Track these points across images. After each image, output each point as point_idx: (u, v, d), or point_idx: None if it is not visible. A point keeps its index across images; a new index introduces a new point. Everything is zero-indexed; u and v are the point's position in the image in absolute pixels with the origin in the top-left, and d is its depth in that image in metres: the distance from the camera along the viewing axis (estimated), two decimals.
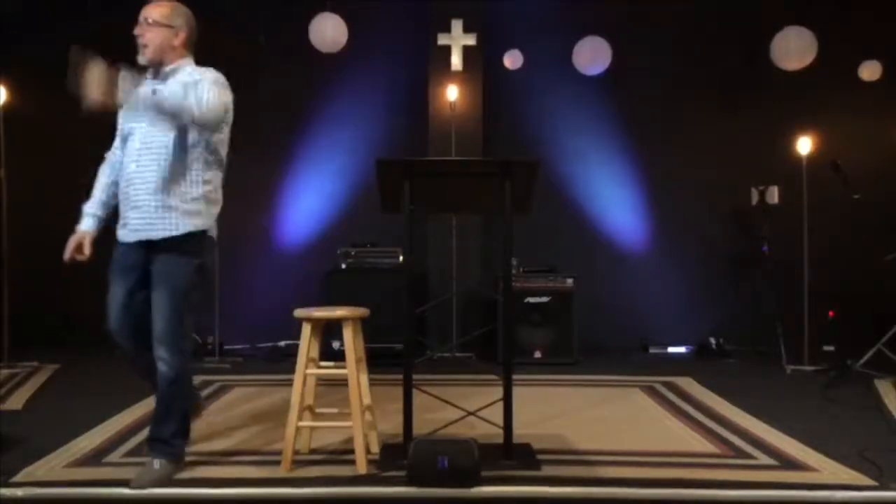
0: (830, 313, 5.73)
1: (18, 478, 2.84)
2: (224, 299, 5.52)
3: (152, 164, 2.83)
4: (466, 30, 6.19)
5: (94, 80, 2.73)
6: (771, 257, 5.78)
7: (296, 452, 3.03)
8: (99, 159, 3.07)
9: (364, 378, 3.19)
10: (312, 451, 3.21)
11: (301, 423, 3.03)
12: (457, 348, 5.86)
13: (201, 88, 2.77)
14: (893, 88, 5.98)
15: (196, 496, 2.74)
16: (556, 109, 6.30)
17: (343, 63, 6.09)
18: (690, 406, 4.18)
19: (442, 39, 6.20)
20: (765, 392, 4.56)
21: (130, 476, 2.79)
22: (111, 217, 2.99)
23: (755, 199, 5.77)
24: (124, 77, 2.66)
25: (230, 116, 2.96)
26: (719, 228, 6.32)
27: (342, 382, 3.05)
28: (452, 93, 6.00)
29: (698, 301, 6.20)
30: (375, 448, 3.21)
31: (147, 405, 3.56)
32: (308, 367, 3.07)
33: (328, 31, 5.76)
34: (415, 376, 3.07)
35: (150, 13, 2.89)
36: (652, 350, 6.21)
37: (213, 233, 3.00)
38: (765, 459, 3.17)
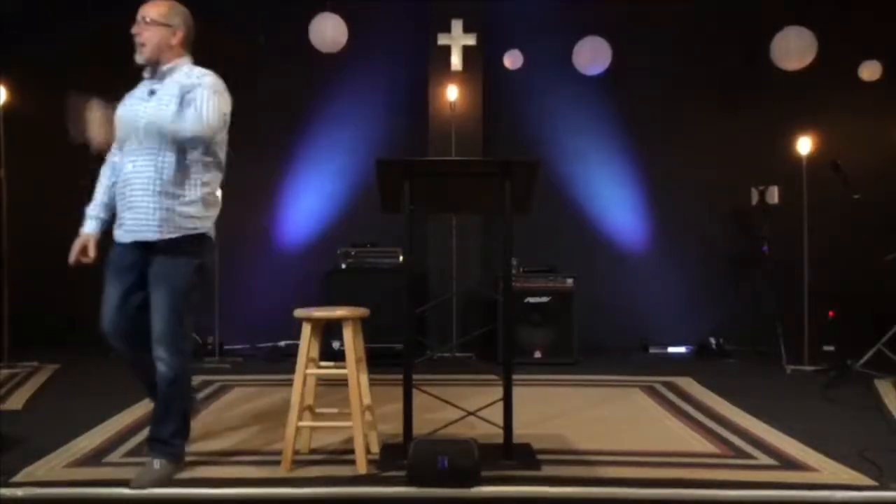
0: (830, 313, 5.73)
1: (18, 478, 2.84)
2: (224, 299, 5.52)
3: (149, 165, 2.83)
4: (466, 30, 6.19)
5: (95, 121, 2.77)
6: (771, 257, 5.78)
7: (296, 452, 3.03)
8: (98, 160, 3.07)
9: (364, 378, 3.19)
10: (312, 451, 3.21)
11: (301, 423, 3.03)
12: (457, 348, 5.86)
13: (200, 101, 2.79)
14: (893, 88, 5.97)
15: (196, 496, 2.74)
16: (556, 109, 6.30)
17: (343, 63, 6.09)
18: (690, 406, 4.18)
19: (442, 39, 6.20)
20: (765, 392, 4.56)
21: (130, 476, 2.79)
22: (113, 218, 2.99)
23: (755, 199, 5.77)
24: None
25: (228, 118, 2.96)
26: (719, 228, 6.32)
27: (342, 382, 3.05)
28: (452, 93, 6.00)
29: (698, 301, 6.20)
30: (375, 448, 3.21)
31: (147, 405, 3.55)
32: (308, 367, 3.07)
33: (328, 31, 5.75)
34: (415, 376, 3.07)
35: (148, 12, 2.89)
36: (652, 350, 6.21)
37: (212, 233, 3.00)
38: (765, 459, 3.17)
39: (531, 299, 5.58)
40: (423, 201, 3.14)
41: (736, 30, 6.26)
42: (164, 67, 2.92)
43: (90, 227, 2.98)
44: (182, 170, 2.85)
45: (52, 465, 3.04)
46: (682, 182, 6.25)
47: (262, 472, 2.96)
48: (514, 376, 3.11)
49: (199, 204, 2.90)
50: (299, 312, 3.08)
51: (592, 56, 5.96)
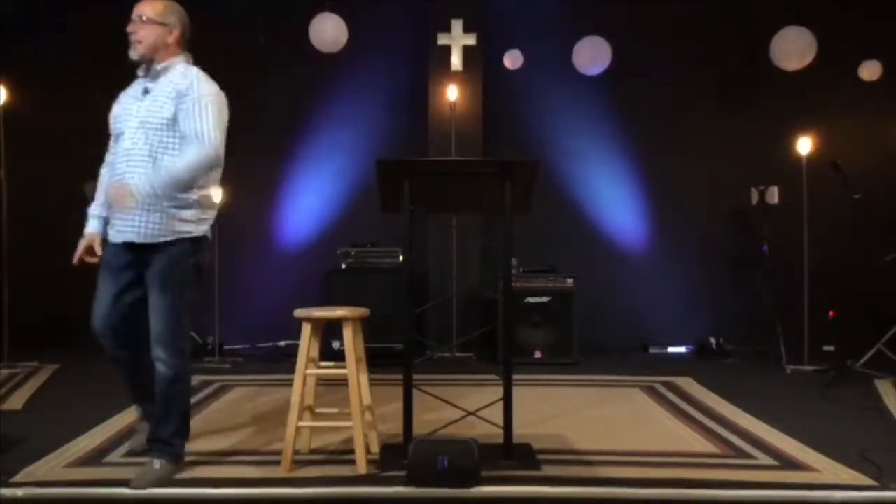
0: (830, 313, 5.73)
1: (18, 478, 2.84)
2: (224, 299, 5.52)
3: (142, 165, 2.81)
4: (466, 30, 6.19)
5: (118, 197, 2.75)
6: (771, 257, 5.78)
7: (296, 452, 3.03)
8: (99, 160, 3.07)
9: (364, 378, 3.19)
10: (312, 451, 3.21)
11: (301, 423, 3.03)
12: (457, 348, 5.86)
13: (197, 120, 2.79)
14: (893, 88, 5.97)
15: (196, 496, 2.74)
16: (556, 109, 6.30)
17: (343, 63, 6.08)
18: (690, 406, 4.18)
19: (442, 39, 6.20)
20: (765, 392, 4.56)
21: (130, 476, 2.79)
22: None
23: (755, 199, 5.77)
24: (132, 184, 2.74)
25: (227, 122, 2.95)
26: (719, 228, 6.32)
27: (342, 382, 3.05)
28: (452, 93, 6.00)
29: (698, 301, 6.20)
30: (375, 448, 3.21)
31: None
32: (308, 367, 3.07)
33: (328, 31, 5.75)
34: (415, 376, 3.07)
35: (144, 10, 2.89)
36: (652, 350, 6.21)
37: (209, 234, 2.99)
38: (765, 459, 3.17)
39: (531, 299, 5.58)
40: (423, 201, 3.14)
41: (736, 30, 6.26)
42: (159, 66, 2.91)
43: (94, 226, 2.98)
44: None
45: (52, 465, 3.04)
46: (682, 182, 6.25)
47: (262, 472, 2.96)
48: (514, 376, 3.11)
49: (195, 207, 2.89)
50: (299, 312, 3.08)
51: (592, 56, 5.96)
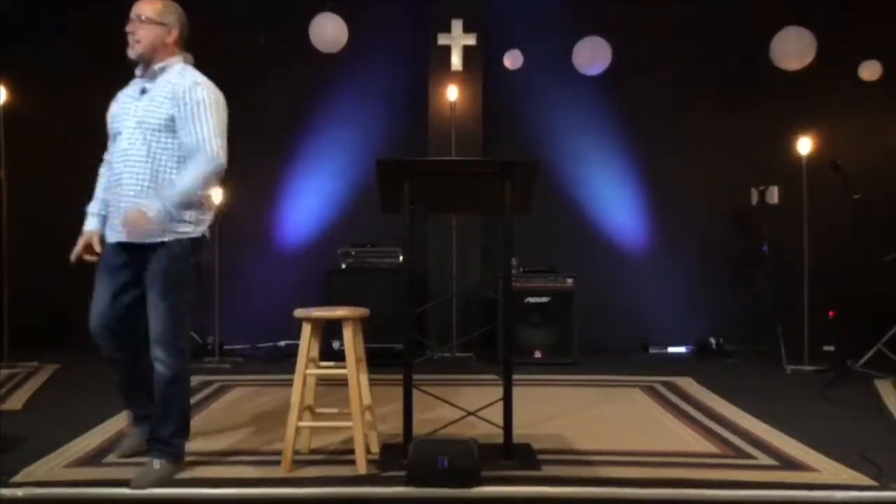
0: (830, 313, 5.73)
1: (18, 478, 2.84)
2: (224, 299, 5.52)
3: (140, 165, 2.82)
4: (466, 30, 6.19)
5: (135, 223, 2.76)
6: (771, 257, 5.78)
7: (296, 452, 3.03)
8: (99, 160, 3.07)
9: (364, 378, 3.19)
10: (312, 451, 3.20)
11: (301, 423, 3.03)
12: (457, 348, 5.86)
13: (198, 129, 2.79)
14: (893, 88, 5.97)
15: (196, 496, 2.74)
16: (556, 109, 6.30)
17: (343, 63, 6.09)
18: (690, 406, 4.18)
19: (442, 39, 6.20)
20: (765, 392, 4.56)
21: (130, 476, 2.79)
22: None
23: (755, 199, 5.78)
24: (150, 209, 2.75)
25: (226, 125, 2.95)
26: (719, 228, 6.32)
27: (342, 382, 3.05)
28: (452, 93, 6.00)
29: (698, 301, 6.20)
30: (375, 448, 3.21)
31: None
32: (308, 367, 3.07)
33: (328, 31, 5.76)
34: (415, 376, 3.07)
35: (143, 10, 2.88)
36: (652, 350, 6.21)
37: (207, 234, 2.99)
38: (765, 459, 3.17)
39: (531, 299, 5.58)
40: (423, 201, 3.14)
41: (736, 30, 6.26)
42: (157, 66, 2.91)
43: (93, 224, 2.98)
44: (176, 173, 2.84)
45: (52, 465, 3.04)
46: (682, 182, 6.25)
47: (262, 473, 2.95)
48: (514, 376, 3.11)
49: (193, 209, 2.88)
50: (299, 312, 3.08)
51: (592, 56, 5.96)
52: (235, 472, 2.97)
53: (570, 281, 5.62)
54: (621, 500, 2.73)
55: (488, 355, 5.64)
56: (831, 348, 5.60)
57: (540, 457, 3.08)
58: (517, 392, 3.12)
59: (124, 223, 2.75)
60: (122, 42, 2.92)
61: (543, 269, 5.70)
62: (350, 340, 3.05)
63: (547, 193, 5.09)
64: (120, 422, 3.71)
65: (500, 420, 3.03)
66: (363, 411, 3.09)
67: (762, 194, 5.72)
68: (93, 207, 3.01)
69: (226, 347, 5.84)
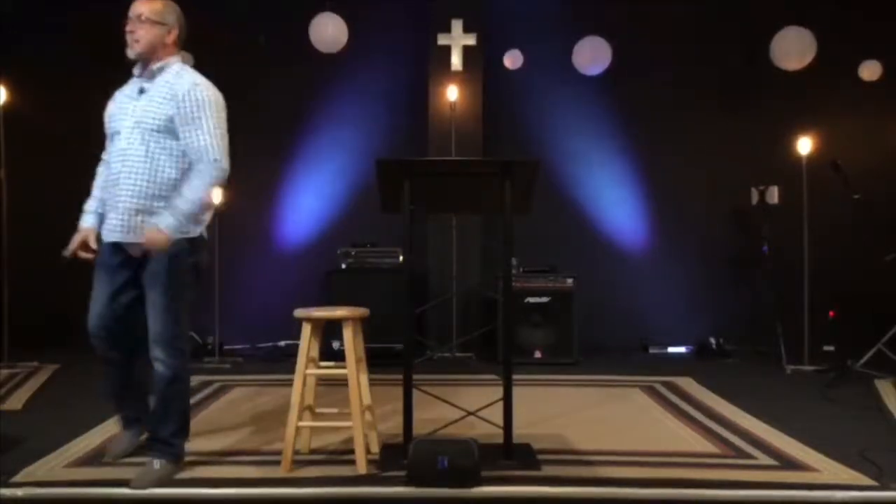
0: (830, 313, 5.73)
1: (18, 478, 2.84)
2: (224, 299, 5.52)
3: (139, 165, 2.81)
4: (466, 30, 6.19)
5: (153, 241, 2.79)
6: (771, 257, 5.78)
7: (296, 452, 3.03)
8: (99, 160, 3.07)
9: (364, 378, 3.19)
10: (312, 451, 3.21)
11: (301, 423, 3.03)
12: (457, 348, 5.86)
13: (200, 136, 2.80)
14: (893, 88, 5.97)
15: (196, 496, 2.74)
16: (556, 109, 6.30)
17: (343, 63, 6.09)
18: (690, 406, 4.18)
19: (442, 39, 6.20)
20: (765, 392, 4.56)
21: (130, 476, 2.79)
22: None
23: (755, 199, 5.78)
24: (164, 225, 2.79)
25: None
26: (719, 228, 6.32)
27: (342, 382, 3.05)
28: (452, 93, 6.00)
29: (698, 301, 6.20)
30: (375, 448, 3.21)
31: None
32: (308, 367, 3.07)
33: (328, 31, 5.76)
34: (415, 376, 3.07)
35: (143, 10, 2.88)
36: (652, 350, 6.21)
37: (205, 233, 2.99)
38: (765, 459, 3.17)
39: (531, 299, 5.58)
40: (423, 201, 3.14)
41: (736, 30, 6.26)
42: (155, 66, 2.90)
43: (89, 221, 2.97)
44: (175, 173, 2.84)
45: (52, 465, 3.04)
46: (682, 182, 6.25)
47: (262, 472, 2.95)
48: (514, 376, 3.11)
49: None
50: (299, 312, 3.08)
51: (592, 56, 5.96)
52: (235, 472, 2.97)
53: (570, 281, 5.62)
54: (621, 500, 2.73)
55: (488, 355, 5.64)
56: (831, 348, 5.60)
57: (540, 457, 3.08)
58: (517, 392, 3.12)
59: (145, 242, 2.76)
60: (122, 42, 2.92)
61: (543, 269, 5.70)
62: (350, 340, 3.05)
63: (547, 193, 5.09)
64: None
65: (500, 420, 3.03)
66: (363, 411, 3.09)
67: (762, 194, 5.72)
68: (90, 205, 3.00)
69: (226, 347, 5.83)
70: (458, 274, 5.96)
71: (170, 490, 2.75)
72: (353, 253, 5.77)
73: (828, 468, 3.01)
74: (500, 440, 3.03)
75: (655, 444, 3.39)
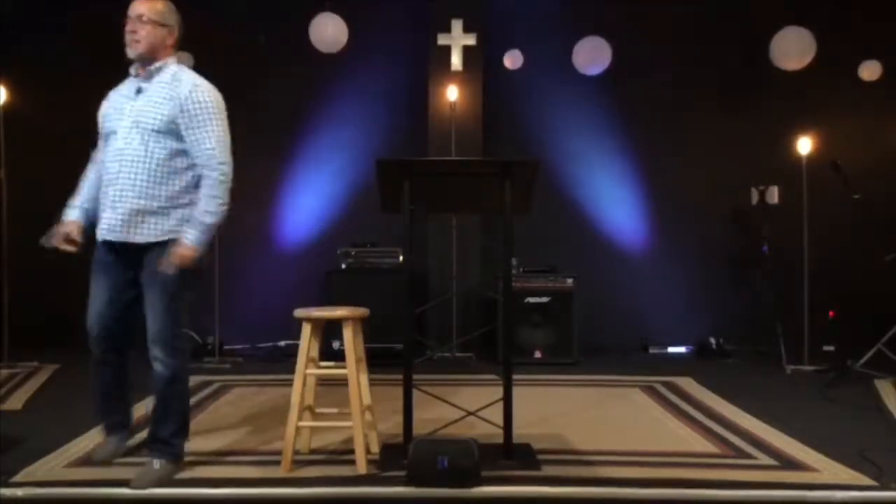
0: (830, 313, 5.73)
1: (18, 478, 2.84)
2: (224, 299, 5.52)
3: (138, 165, 2.81)
4: (466, 30, 6.19)
5: (182, 259, 2.82)
6: (771, 257, 5.78)
7: (296, 452, 3.03)
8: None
9: (364, 378, 3.19)
10: (312, 451, 3.21)
11: (301, 423, 3.03)
12: (457, 348, 5.86)
13: (204, 141, 2.81)
14: (893, 88, 5.98)
15: (196, 496, 2.74)
16: (556, 109, 6.30)
17: (343, 63, 6.09)
18: (690, 406, 4.18)
19: (442, 39, 6.20)
20: (765, 392, 4.56)
21: (130, 476, 2.79)
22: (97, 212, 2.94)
23: (755, 199, 5.78)
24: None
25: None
26: (719, 228, 6.32)
27: (342, 382, 3.05)
28: (452, 93, 6.00)
29: (698, 301, 6.20)
30: (375, 448, 3.21)
31: (146, 405, 3.55)
32: (308, 367, 3.07)
33: (328, 31, 5.76)
34: (415, 376, 3.07)
35: (144, 10, 2.87)
36: (652, 350, 6.21)
37: None
38: (765, 459, 3.17)
39: (531, 299, 5.58)
40: (423, 201, 3.14)
41: (736, 30, 6.26)
42: (154, 66, 2.90)
43: (73, 214, 2.96)
44: (174, 173, 2.84)
45: (52, 465, 3.04)
46: (681, 182, 6.25)
47: (262, 473, 2.96)
48: (514, 376, 3.11)
49: (192, 207, 2.87)
50: (299, 312, 3.08)
51: (592, 56, 5.96)
52: (235, 472, 2.97)
53: (570, 281, 5.62)
54: (621, 500, 2.73)
55: (488, 355, 5.64)
56: (831, 348, 5.61)
57: (540, 457, 3.09)
58: (517, 392, 3.12)
59: (174, 260, 2.78)
60: (122, 42, 2.91)
61: (543, 269, 5.70)
62: (350, 340, 3.05)
63: (547, 193, 5.08)
64: None
65: (500, 420, 3.03)
66: (363, 411, 3.09)
67: (762, 194, 5.72)
68: (76, 201, 2.99)
69: (226, 347, 5.83)
70: (458, 274, 5.96)
71: (170, 490, 2.75)
72: (353, 253, 5.77)
73: (827, 468, 3.02)
74: (500, 440, 3.03)
75: (655, 444, 3.39)
